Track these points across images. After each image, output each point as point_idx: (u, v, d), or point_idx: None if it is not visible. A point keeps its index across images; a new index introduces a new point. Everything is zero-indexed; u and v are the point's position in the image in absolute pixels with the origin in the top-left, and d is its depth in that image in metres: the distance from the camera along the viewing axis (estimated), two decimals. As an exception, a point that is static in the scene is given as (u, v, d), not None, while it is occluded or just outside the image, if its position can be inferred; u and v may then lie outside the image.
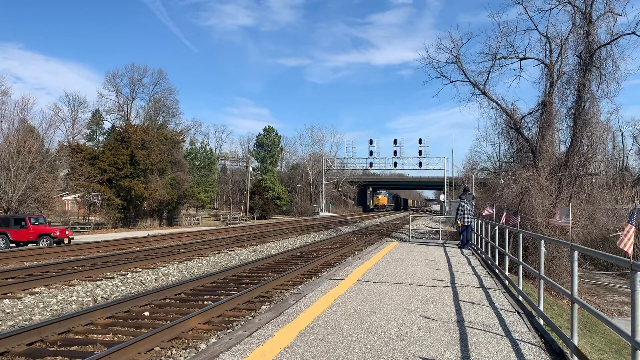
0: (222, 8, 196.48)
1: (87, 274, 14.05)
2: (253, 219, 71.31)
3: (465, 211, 18.25)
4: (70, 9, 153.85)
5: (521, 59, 24.88)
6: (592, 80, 22.02)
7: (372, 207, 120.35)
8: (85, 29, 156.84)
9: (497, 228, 13.71)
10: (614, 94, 22.04)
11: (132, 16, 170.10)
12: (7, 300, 10.57)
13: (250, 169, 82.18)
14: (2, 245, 23.91)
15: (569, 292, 5.53)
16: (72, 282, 12.98)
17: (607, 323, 4.72)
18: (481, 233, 17.01)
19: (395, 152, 77.62)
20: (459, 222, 18.47)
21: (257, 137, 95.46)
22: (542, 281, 7.23)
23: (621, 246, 5.86)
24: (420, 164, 77.36)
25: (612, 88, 21.84)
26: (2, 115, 40.15)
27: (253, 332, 5.81)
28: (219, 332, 8.03)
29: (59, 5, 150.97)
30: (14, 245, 24.42)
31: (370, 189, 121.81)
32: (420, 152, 76.44)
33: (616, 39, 21.50)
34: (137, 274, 14.46)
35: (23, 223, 24.89)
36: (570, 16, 22.89)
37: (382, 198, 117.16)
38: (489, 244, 14.60)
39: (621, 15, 21.36)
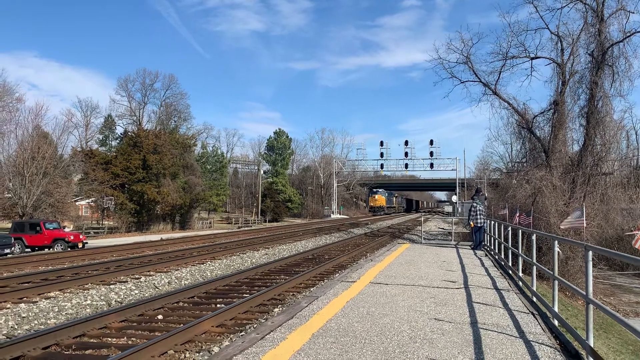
0: (233, 13, 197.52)
1: (101, 278, 14.16)
2: (265, 221, 71.47)
3: (478, 212, 18.14)
4: (84, 16, 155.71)
5: (532, 58, 24.73)
6: (604, 78, 21.84)
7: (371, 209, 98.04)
8: (99, 36, 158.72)
9: (510, 229, 13.61)
10: (627, 92, 21.89)
11: (145, 22, 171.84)
12: (22, 304, 10.69)
13: (262, 172, 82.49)
14: (18, 250, 24.18)
15: (584, 293, 5.47)
16: (87, 286, 13.09)
17: (623, 324, 4.66)
18: (494, 234, 16.89)
19: (406, 154, 77.41)
20: (471, 223, 18.36)
21: (268, 140, 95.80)
22: (556, 282, 7.17)
23: (636, 246, 5.80)
24: (431, 165, 77.07)
25: (625, 86, 21.68)
26: (17, 122, 40.69)
27: (266, 335, 5.82)
28: (232, 335, 8.05)
29: (73, 13, 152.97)
30: (29, 250, 24.69)
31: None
32: (431, 154, 76.20)
33: (629, 36, 21.31)
34: (151, 277, 14.56)
35: (38, 228, 25.16)
36: (582, 14, 22.74)
37: (379, 198, 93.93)
38: (502, 245, 14.50)
39: (633, 13, 21.20)
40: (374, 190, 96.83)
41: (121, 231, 46.64)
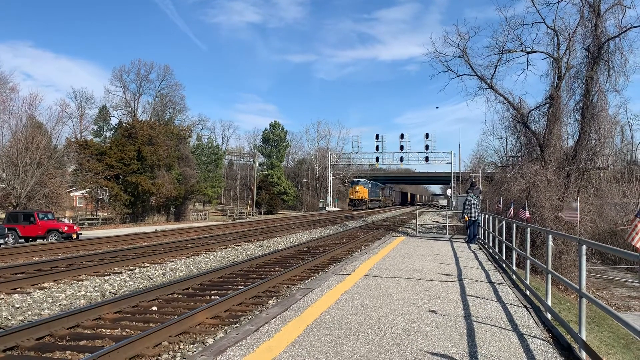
0: (230, 5, 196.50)
1: (95, 269, 14.13)
2: (260, 214, 71.42)
3: (472, 206, 18.20)
4: (80, 7, 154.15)
5: (528, 53, 24.76)
6: (600, 73, 21.88)
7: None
8: (95, 26, 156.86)
9: (504, 223, 13.66)
10: (622, 87, 21.98)
11: (141, 13, 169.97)
12: (16, 295, 10.66)
13: (257, 164, 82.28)
14: (12, 241, 24.09)
15: (577, 287, 5.50)
16: (81, 277, 13.06)
17: (615, 318, 4.69)
18: (488, 228, 16.96)
19: (401, 147, 77.37)
20: (466, 216, 18.43)
21: (263, 132, 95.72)
22: (549, 276, 7.20)
23: (629, 240, 5.82)
24: (427, 159, 77.11)
25: (620, 81, 21.77)
26: (11, 112, 40.53)
27: (260, 327, 5.83)
28: (226, 327, 8.06)
29: (68, 3, 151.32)
30: (22, 240, 24.60)
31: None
32: (427, 147, 76.20)
33: (625, 31, 21.36)
34: (145, 269, 14.54)
35: (32, 219, 25.06)
36: (578, 9, 22.76)
37: (360, 190, 78.18)
38: (496, 239, 14.56)
39: (630, 8, 21.21)
40: (355, 180, 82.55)
41: (115, 222, 46.49)
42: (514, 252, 10.91)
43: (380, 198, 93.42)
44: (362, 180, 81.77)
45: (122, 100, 66.65)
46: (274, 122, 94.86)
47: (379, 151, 79.62)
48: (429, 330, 5.81)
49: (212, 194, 70.09)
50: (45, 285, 11.94)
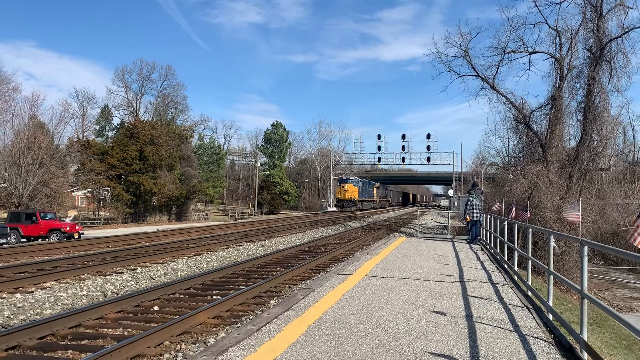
0: (232, 5, 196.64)
1: (97, 268, 14.15)
2: (261, 214, 71.41)
3: (474, 206, 18.18)
4: (82, 6, 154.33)
5: (530, 53, 24.75)
6: (602, 74, 21.86)
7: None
8: (97, 26, 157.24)
9: (506, 223, 13.64)
10: (624, 88, 21.96)
11: (143, 13, 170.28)
12: (18, 294, 10.68)
13: (259, 164, 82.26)
14: (14, 240, 24.13)
15: (579, 288, 5.49)
16: (83, 276, 13.08)
17: (617, 319, 4.68)
18: (490, 228, 16.94)
19: (403, 148, 77.08)
20: (467, 217, 18.40)
21: (265, 132, 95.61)
22: (551, 276, 7.19)
23: (631, 241, 5.81)
24: (428, 159, 76.85)
25: (623, 82, 21.75)
26: (13, 111, 40.62)
27: (262, 327, 5.83)
28: (228, 327, 8.07)
29: (70, 3, 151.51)
30: (25, 240, 24.65)
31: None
32: (428, 147, 75.92)
33: (627, 32, 21.34)
34: (147, 268, 14.55)
35: (34, 218, 25.10)
36: (581, 9, 22.75)
37: (350, 189, 70.09)
38: (498, 239, 14.54)
39: (632, 9, 21.21)
40: (344, 178, 74.27)
41: (117, 222, 46.54)
42: (516, 252, 10.90)
43: (374, 198, 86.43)
44: (351, 177, 74.53)
45: (124, 100, 66.67)
46: (275, 122, 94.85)
47: (380, 151, 79.31)
48: (431, 330, 5.80)
49: (213, 194, 70.15)
50: (47, 284, 11.97)
